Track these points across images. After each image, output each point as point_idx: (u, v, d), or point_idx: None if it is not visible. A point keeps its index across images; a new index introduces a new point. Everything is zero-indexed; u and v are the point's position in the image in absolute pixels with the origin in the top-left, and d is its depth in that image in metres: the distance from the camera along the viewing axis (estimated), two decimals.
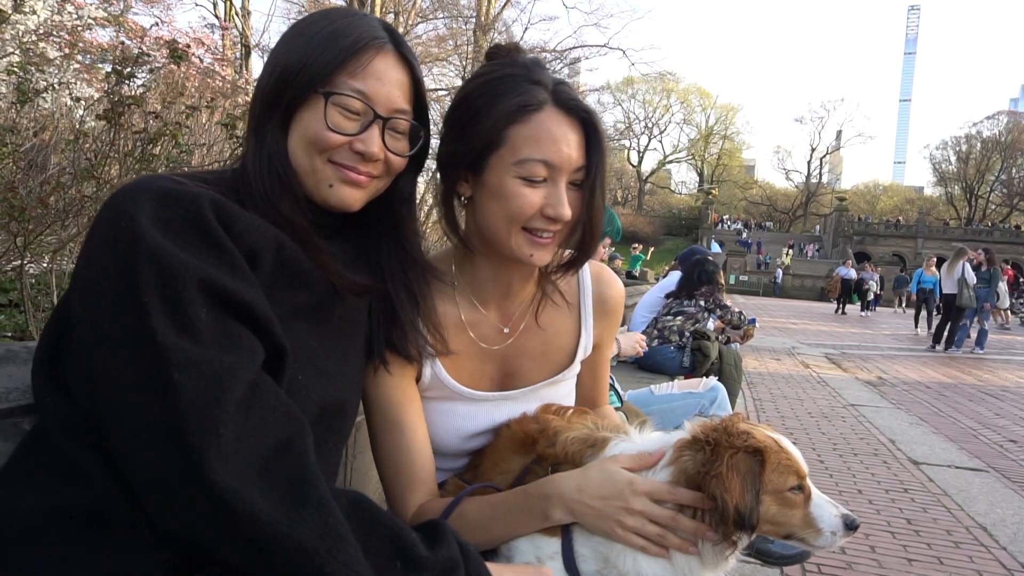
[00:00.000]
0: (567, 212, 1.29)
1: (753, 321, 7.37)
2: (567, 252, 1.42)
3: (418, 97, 1.26)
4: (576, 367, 1.58)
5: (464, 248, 1.43)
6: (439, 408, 1.46)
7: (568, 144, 1.29)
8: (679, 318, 6.05)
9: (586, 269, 1.57)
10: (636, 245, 22.34)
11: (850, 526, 1.18)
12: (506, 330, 1.48)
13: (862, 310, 26.27)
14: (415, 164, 1.32)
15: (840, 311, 26.62)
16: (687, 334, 5.92)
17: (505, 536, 1.27)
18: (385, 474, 1.41)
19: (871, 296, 26.12)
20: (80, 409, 0.98)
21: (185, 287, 0.91)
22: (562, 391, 1.57)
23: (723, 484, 1.11)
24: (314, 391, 1.13)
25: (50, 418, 1.00)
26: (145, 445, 0.88)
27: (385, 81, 1.18)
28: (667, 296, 6.33)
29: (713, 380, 3.15)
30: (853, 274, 27.96)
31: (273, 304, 1.03)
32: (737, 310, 6.49)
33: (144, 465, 0.89)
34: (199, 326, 0.92)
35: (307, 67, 1.14)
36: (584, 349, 1.56)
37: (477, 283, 1.46)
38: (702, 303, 6.15)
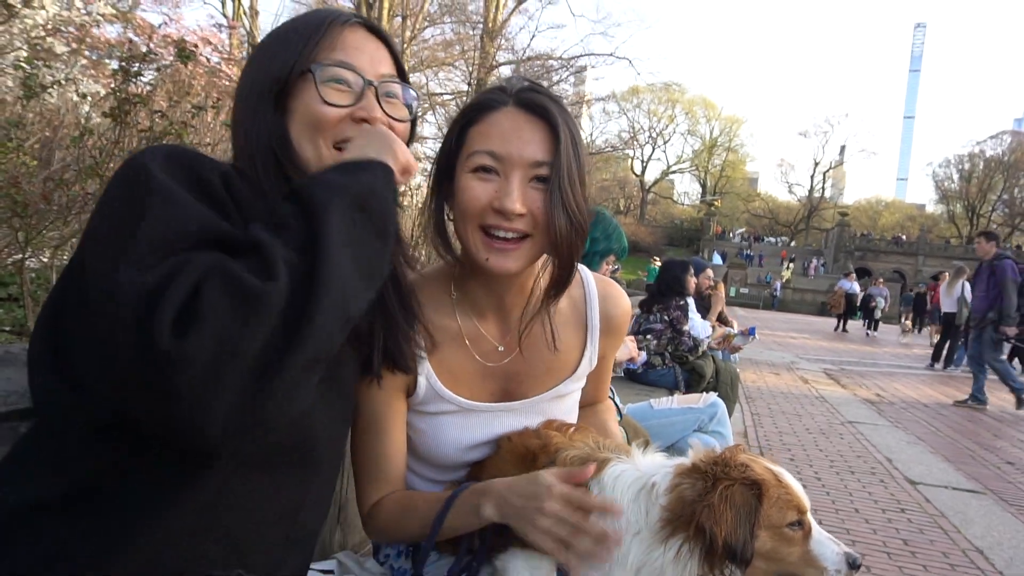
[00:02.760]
0: (514, 203, 1.24)
1: (753, 331, 7.31)
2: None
3: (399, 69, 1.23)
4: (581, 382, 1.57)
5: (458, 264, 1.42)
6: (436, 421, 1.44)
7: (520, 137, 1.27)
8: (649, 336, 5.58)
9: (593, 286, 1.55)
10: (655, 258, 22.31)
11: (852, 565, 1.15)
12: (501, 348, 1.46)
13: (870, 329, 23.81)
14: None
15: (841, 328, 24.48)
16: (667, 354, 5.54)
17: (448, 529, 1.27)
18: (355, 466, 1.44)
19: (878, 314, 23.87)
20: (73, 393, 0.94)
21: (188, 223, 0.88)
22: (565, 406, 1.55)
23: (714, 515, 1.08)
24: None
25: (39, 395, 0.98)
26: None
27: (364, 50, 1.17)
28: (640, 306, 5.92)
29: (713, 396, 3.15)
30: (857, 288, 25.74)
31: None
32: (690, 337, 5.57)
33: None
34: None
35: (286, 62, 1.13)
36: (590, 363, 1.55)
37: (473, 297, 1.44)
38: (666, 317, 5.59)
